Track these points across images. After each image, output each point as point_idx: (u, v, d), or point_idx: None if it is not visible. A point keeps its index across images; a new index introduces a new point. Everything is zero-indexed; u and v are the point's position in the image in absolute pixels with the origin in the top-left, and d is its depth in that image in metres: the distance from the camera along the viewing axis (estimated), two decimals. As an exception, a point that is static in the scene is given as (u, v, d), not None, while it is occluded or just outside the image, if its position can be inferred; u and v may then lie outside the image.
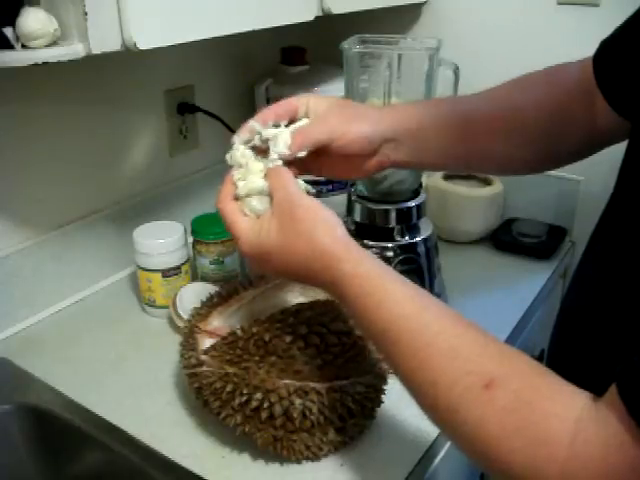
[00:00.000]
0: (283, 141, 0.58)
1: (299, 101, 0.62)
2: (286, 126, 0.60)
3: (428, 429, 0.66)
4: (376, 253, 0.80)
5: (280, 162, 0.58)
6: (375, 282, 0.49)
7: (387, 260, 0.80)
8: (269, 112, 0.61)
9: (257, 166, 0.58)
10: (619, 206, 0.52)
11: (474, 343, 0.45)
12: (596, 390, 0.41)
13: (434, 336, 0.45)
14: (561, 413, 0.38)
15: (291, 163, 0.59)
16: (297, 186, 0.55)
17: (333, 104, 0.62)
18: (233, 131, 1.13)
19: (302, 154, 0.58)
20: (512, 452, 0.39)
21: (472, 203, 1.06)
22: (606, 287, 0.51)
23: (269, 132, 0.59)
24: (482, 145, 0.65)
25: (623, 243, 0.49)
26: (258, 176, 0.57)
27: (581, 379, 0.45)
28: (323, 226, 0.52)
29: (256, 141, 0.60)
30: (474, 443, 0.41)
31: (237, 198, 0.57)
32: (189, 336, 0.67)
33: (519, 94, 0.65)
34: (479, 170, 0.71)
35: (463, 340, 0.45)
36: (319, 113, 0.61)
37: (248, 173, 0.57)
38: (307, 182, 0.59)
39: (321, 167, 0.63)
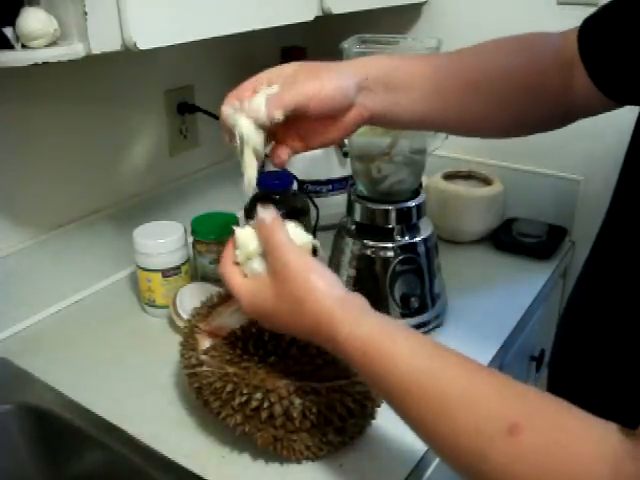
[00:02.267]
0: (257, 105, 0.56)
1: (258, 78, 0.59)
2: None
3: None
4: (376, 253, 0.80)
5: (266, 212, 0.57)
6: (378, 340, 0.49)
7: (387, 260, 0.80)
8: (233, 98, 0.59)
9: (248, 231, 0.58)
10: (621, 210, 0.52)
11: (491, 387, 0.43)
12: (603, 397, 0.40)
13: (449, 385, 0.44)
14: (596, 451, 0.37)
15: (271, 133, 0.58)
16: (288, 242, 0.55)
17: (297, 68, 0.59)
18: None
19: (279, 117, 0.55)
20: None
21: (472, 203, 1.06)
22: (614, 293, 0.51)
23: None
24: (456, 101, 0.63)
25: (629, 248, 0.49)
26: (252, 241, 0.57)
27: (585, 385, 0.45)
28: (318, 287, 0.52)
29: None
30: None
31: (238, 264, 0.58)
32: (189, 336, 0.67)
33: (493, 56, 0.64)
34: (456, 130, 0.67)
35: (479, 386, 0.44)
36: (287, 77, 0.58)
37: (242, 239, 0.57)
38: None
39: (304, 136, 0.61)
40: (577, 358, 0.55)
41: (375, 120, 0.63)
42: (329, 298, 0.52)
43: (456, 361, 0.46)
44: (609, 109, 0.61)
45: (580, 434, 0.39)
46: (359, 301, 0.53)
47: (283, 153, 0.60)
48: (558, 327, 0.61)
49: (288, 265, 0.53)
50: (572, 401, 0.41)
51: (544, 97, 0.63)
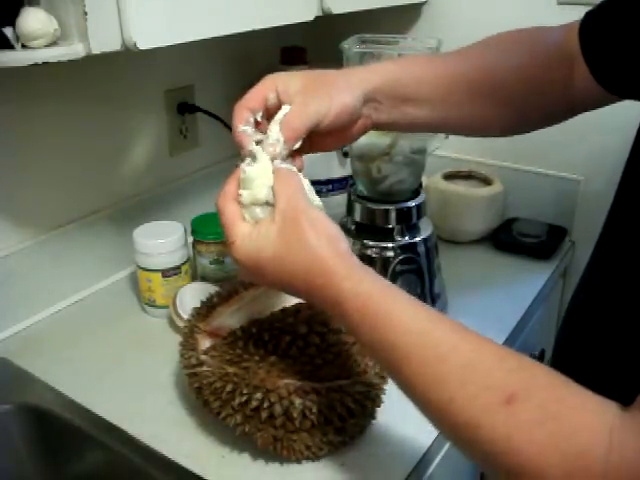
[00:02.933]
0: (274, 141, 0.55)
1: (265, 87, 0.59)
2: (267, 120, 0.58)
3: (428, 429, 0.65)
4: (376, 253, 0.80)
5: (283, 164, 0.55)
6: (380, 300, 0.48)
7: (387, 260, 0.80)
8: (243, 110, 0.58)
9: (265, 169, 0.55)
10: (624, 210, 0.52)
11: (490, 357, 0.43)
12: (604, 394, 0.40)
13: (447, 351, 0.44)
14: (592, 424, 0.37)
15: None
16: (305, 196, 0.53)
17: (304, 82, 0.58)
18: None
19: (297, 146, 0.56)
20: (547, 466, 0.38)
21: (472, 203, 1.06)
22: (617, 295, 0.51)
23: (257, 137, 0.57)
24: (463, 104, 0.63)
25: (632, 249, 0.49)
26: (264, 185, 0.54)
27: (588, 384, 0.45)
28: (328, 239, 0.50)
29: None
30: (500, 458, 0.40)
31: (239, 203, 0.54)
32: (189, 336, 0.67)
33: (498, 54, 0.65)
34: (463, 131, 0.68)
35: (478, 354, 0.43)
36: (293, 95, 0.57)
37: (252, 181, 0.54)
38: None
39: (311, 145, 0.60)
40: (579, 361, 0.55)
41: (377, 127, 0.63)
42: (336, 254, 0.50)
43: (457, 328, 0.46)
44: (610, 103, 0.61)
45: (578, 407, 0.39)
46: (356, 258, 0.52)
47: (298, 162, 0.59)
48: (559, 329, 0.61)
49: (306, 211, 0.51)
50: None
51: (547, 91, 0.63)
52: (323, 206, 0.57)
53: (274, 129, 0.56)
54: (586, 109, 0.65)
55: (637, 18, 0.54)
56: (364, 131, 0.62)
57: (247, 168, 0.55)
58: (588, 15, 0.61)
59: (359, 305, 0.48)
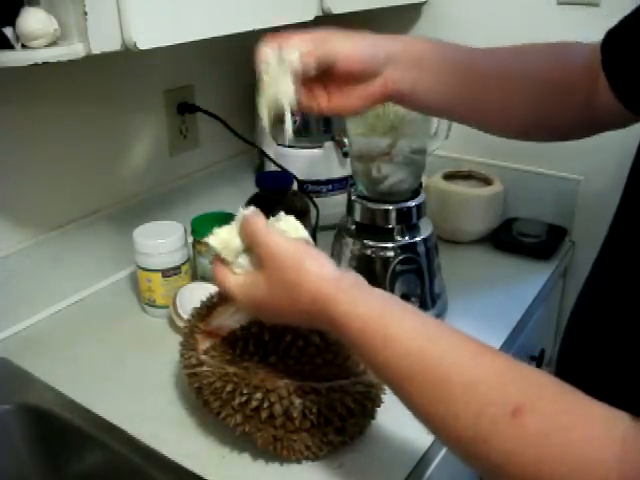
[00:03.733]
0: (291, 52, 0.56)
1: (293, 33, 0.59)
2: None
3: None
4: (376, 253, 0.80)
5: (246, 211, 0.57)
6: (377, 319, 0.48)
7: (387, 260, 0.80)
8: (272, 40, 0.59)
9: (230, 229, 0.58)
10: (630, 213, 0.52)
11: (494, 369, 0.43)
12: (610, 401, 0.40)
13: (450, 367, 0.43)
14: (603, 435, 0.37)
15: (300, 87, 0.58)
16: (268, 228, 0.55)
17: (330, 30, 0.59)
18: (233, 131, 1.14)
19: (312, 65, 0.56)
20: (559, 478, 0.37)
21: (472, 203, 1.06)
22: (622, 297, 0.51)
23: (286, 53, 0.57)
24: (484, 94, 0.64)
25: (637, 251, 0.49)
26: (234, 237, 0.57)
27: (594, 389, 0.45)
28: (310, 269, 0.51)
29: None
30: (508, 471, 0.39)
31: (226, 264, 0.57)
32: (189, 336, 0.67)
33: (524, 56, 0.65)
34: (478, 123, 0.68)
35: (481, 368, 0.43)
36: (317, 37, 0.58)
37: (224, 240, 0.57)
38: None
39: (329, 92, 0.61)
40: (584, 365, 0.55)
41: (397, 97, 0.63)
42: (322, 278, 0.50)
43: (458, 343, 0.45)
44: (631, 123, 0.61)
45: (587, 417, 0.38)
46: (353, 278, 0.52)
47: (313, 99, 0.60)
48: (564, 333, 0.61)
49: (274, 251, 0.52)
50: None
51: (570, 100, 0.63)
52: (307, 234, 0.58)
53: (293, 47, 0.57)
54: (606, 128, 0.64)
55: None
56: (384, 93, 0.61)
57: (215, 230, 0.58)
58: (610, 33, 0.60)
59: (358, 327, 0.48)
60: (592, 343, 0.54)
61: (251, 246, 0.55)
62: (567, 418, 0.38)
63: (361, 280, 0.52)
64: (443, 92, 0.63)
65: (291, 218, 0.59)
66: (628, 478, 0.35)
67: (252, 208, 0.57)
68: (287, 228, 0.57)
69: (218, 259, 0.57)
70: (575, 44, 0.65)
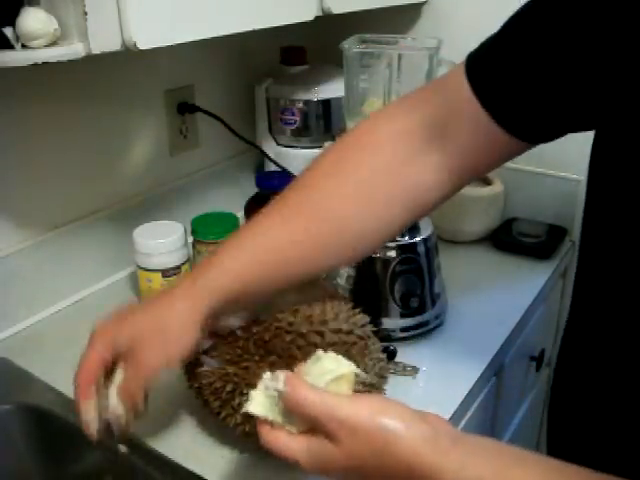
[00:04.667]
0: (113, 408, 0.56)
1: (99, 352, 0.58)
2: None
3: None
4: (376, 253, 0.80)
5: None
6: None
7: (387, 260, 0.80)
8: (86, 385, 0.55)
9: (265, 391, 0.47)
10: (599, 204, 0.52)
11: None
12: (608, 399, 0.39)
13: None
14: None
15: None
16: (327, 401, 0.43)
17: (132, 335, 0.57)
18: (233, 131, 1.13)
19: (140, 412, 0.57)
20: None
21: (472, 203, 1.06)
22: (607, 284, 0.51)
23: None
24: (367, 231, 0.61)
25: (615, 243, 0.49)
26: (272, 396, 0.47)
27: (592, 388, 0.44)
28: (398, 433, 0.42)
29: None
30: None
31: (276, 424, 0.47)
32: (189, 336, 0.67)
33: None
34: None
35: None
36: (125, 355, 0.56)
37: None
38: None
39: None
40: (582, 361, 0.55)
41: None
42: (416, 443, 0.41)
43: None
44: (521, 151, 0.58)
45: None
46: (449, 433, 0.43)
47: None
48: (563, 336, 0.61)
49: (347, 422, 0.42)
50: (577, 405, 0.39)
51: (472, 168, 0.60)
52: (359, 370, 0.49)
53: (112, 396, 0.56)
54: (500, 162, 0.60)
55: (525, 54, 0.52)
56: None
57: (250, 404, 0.47)
58: (472, 59, 0.58)
59: None
60: (589, 339, 0.54)
61: (308, 421, 0.44)
62: None
63: (456, 432, 0.44)
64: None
65: (331, 355, 0.49)
66: None
67: (283, 376, 0.46)
68: (330, 366, 0.48)
69: (261, 421, 0.47)
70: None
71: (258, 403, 0.47)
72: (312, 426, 0.44)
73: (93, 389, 0.56)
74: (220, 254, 0.59)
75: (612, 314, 0.50)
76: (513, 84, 0.53)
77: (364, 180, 0.59)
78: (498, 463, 0.41)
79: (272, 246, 0.59)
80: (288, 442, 0.45)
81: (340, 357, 0.49)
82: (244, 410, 0.47)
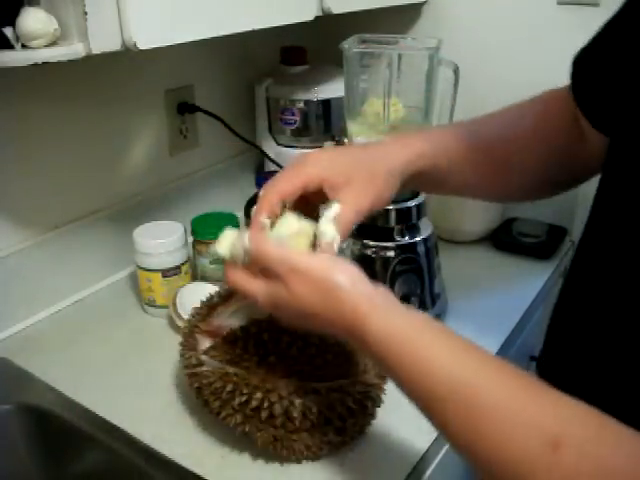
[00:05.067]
0: (331, 238, 0.56)
1: (308, 178, 0.58)
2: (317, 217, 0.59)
3: (428, 429, 0.65)
4: (376, 253, 0.80)
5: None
6: (412, 342, 0.46)
7: (387, 260, 0.80)
8: (274, 196, 0.57)
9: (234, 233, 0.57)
10: (606, 203, 0.52)
11: (531, 398, 0.41)
12: (592, 388, 0.40)
13: (488, 398, 0.42)
14: (625, 467, 0.37)
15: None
16: (286, 252, 0.52)
17: (349, 174, 0.58)
18: (233, 131, 1.14)
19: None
20: None
21: (472, 203, 1.06)
22: (599, 285, 0.51)
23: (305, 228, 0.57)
24: (485, 175, 0.66)
25: (614, 241, 0.49)
26: (239, 238, 0.55)
27: (575, 378, 0.45)
28: (339, 286, 0.49)
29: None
30: None
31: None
32: (189, 336, 0.67)
33: (515, 127, 0.67)
34: (478, 196, 0.76)
35: (519, 396, 0.42)
36: (341, 193, 0.57)
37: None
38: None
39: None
40: (567, 354, 0.55)
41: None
42: (355, 294, 0.49)
43: (496, 370, 0.44)
44: None
45: (615, 447, 0.38)
46: (385, 295, 0.50)
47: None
48: (548, 325, 0.61)
49: (299, 270, 0.50)
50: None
51: (567, 157, 0.65)
52: (315, 227, 0.57)
53: (330, 228, 0.56)
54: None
55: (625, 57, 0.52)
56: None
57: (217, 244, 0.56)
58: (575, 63, 0.60)
59: (390, 348, 0.46)
60: (573, 328, 0.55)
61: (272, 273, 0.52)
62: (600, 449, 0.38)
63: (392, 297, 0.51)
64: (450, 186, 0.69)
65: (295, 214, 0.57)
66: None
67: (247, 234, 0.54)
68: (293, 223, 0.56)
69: (229, 262, 0.55)
70: (555, 94, 0.65)
71: (225, 245, 0.55)
72: (271, 275, 0.51)
73: (278, 205, 0.57)
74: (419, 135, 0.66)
75: (604, 316, 0.50)
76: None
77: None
78: (417, 326, 0.47)
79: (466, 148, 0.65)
80: (250, 281, 0.54)
81: (303, 218, 0.57)
82: (213, 248, 0.57)
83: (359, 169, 0.59)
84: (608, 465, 0.37)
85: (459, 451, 0.44)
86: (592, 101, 0.58)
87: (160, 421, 0.69)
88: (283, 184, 0.57)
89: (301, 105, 1.12)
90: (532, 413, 0.41)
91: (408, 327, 0.47)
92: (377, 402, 0.65)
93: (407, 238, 0.81)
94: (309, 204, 0.60)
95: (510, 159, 0.66)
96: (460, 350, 0.46)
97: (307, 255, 0.53)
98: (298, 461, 0.62)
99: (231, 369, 0.61)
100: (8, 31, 0.57)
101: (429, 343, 0.46)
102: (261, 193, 0.58)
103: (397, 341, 0.46)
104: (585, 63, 0.59)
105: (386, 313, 0.48)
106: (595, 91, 0.57)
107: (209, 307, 0.70)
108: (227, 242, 0.56)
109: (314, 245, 0.57)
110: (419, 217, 0.82)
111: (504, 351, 0.83)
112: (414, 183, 0.64)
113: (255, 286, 0.53)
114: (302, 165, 0.59)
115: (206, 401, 0.63)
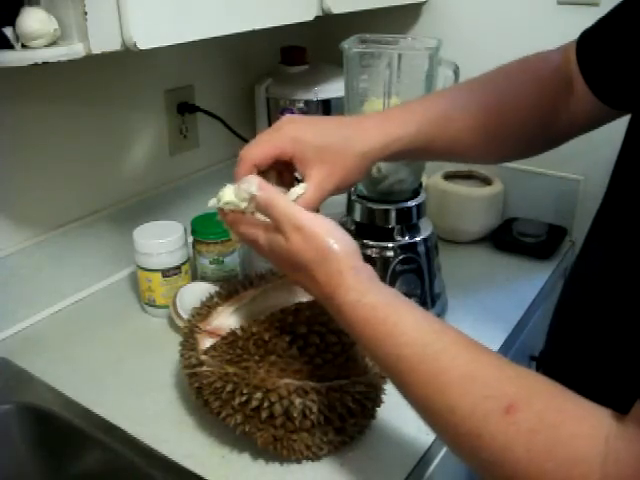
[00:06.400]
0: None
1: (281, 146, 0.59)
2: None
3: (428, 429, 0.66)
4: (376, 253, 0.80)
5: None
6: (383, 311, 0.49)
7: (387, 260, 0.80)
8: (248, 164, 0.59)
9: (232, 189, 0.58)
10: (615, 203, 0.52)
11: (490, 367, 0.44)
12: (595, 388, 0.41)
13: (449, 362, 0.45)
14: (589, 433, 0.38)
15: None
16: (294, 208, 0.54)
17: (320, 147, 0.59)
18: (233, 131, 1.14)
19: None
20: (544, 474, 0.38)
21: (472, 203, 1.06)
22: (603, 285, 0.51)
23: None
24: (467, 139, 0.65)
25: (619, 240, 0.49)
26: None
27: (577, 377, 0.45)
28: (333, 251, 0.52)
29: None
30: (500, 467, 0.40)
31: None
32: (189, 336, 0.67)
33: (506, 92, 0.67)
34: (458, 159, 0.76)
35: (479, 364, 0.44)
36: (309, 167, 0.59)
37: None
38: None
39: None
40: (569, 354, 0.56)
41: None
42: (345, 265, 0.51)
43: (458, 339, 0.47)
44: (611, 119, 0.62)
45: (575, 415, 0.39)
46: (369, 272, 0.53)
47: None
48: (549, 324, 0.61)
49: (303, 229, 0.52)
50: None
51: (553, 119, 0.65)
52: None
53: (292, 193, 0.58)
54: (586, 129, 0.66)
55: (633, 31, 0.54)
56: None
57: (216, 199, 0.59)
58: (584, 35, 0.62)
59: (363, 316, 0.49)
60: (575, 327, 0.55)
61: (275, 225, 0.54)
62: (556, 416, 0.39)
63: (374, 273, 0.53)
64: (429, 154, 0.67)
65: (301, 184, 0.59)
66: (610, 474, 0.36)
67: (257, 180, 0.56)
68: (298, 190, 0.58)
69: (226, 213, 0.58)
70: (546, 57, 0.67)
71: (229, 196, 0.57)
72: (274, 226, 0.54)
73: (254, 171, 0.58)
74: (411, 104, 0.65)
75: (607, 315, 0.50)
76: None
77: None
78: (393, 300, 0.50)
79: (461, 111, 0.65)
80: (252, 226, 0.56)
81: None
82: (215, 203, 0.59)
83: (331, 147, 0.59)
84: (564, 430, 0.38)
85: (420, 413, 0.46)
86: (600, 76, 0.60)
87: (160, 421, 0.69)
88: (256, 151, 0.59)
89: (301, 105, 1.12)
90: (490, 379, 0.43)
91: (378, 299, 0.50)
92: (377, 402, 0.65)
93: (407, 238, 0.81)
94: (290, 167, 0.61)
95: (507, 119, 0.66)
96: (425, 319, 0.49)
97: (312, 216, 0.54)
98: (298, 461, 0.62)
99: (231, 369, 0.61)
100: (8, 31, 0.57)
101: (395, 312, 0.49)
102: (239, 157, 0.59)
103: (367, 310, 0.49)
104: (593, 39, 0.61)
105: (363, 286, 0.51)
106: (603, 66, 0.59)
107: (209, 307, 0.70)
108: (229, 195, 0.57)
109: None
110: (419, 217, 0.82)
111: (504, 351, 0.83)
112: (394, 159, 0.65)
113: (257, 231, 0.56)
114: (276, 132, 0.60)
115: (206, 401, 0.63)
